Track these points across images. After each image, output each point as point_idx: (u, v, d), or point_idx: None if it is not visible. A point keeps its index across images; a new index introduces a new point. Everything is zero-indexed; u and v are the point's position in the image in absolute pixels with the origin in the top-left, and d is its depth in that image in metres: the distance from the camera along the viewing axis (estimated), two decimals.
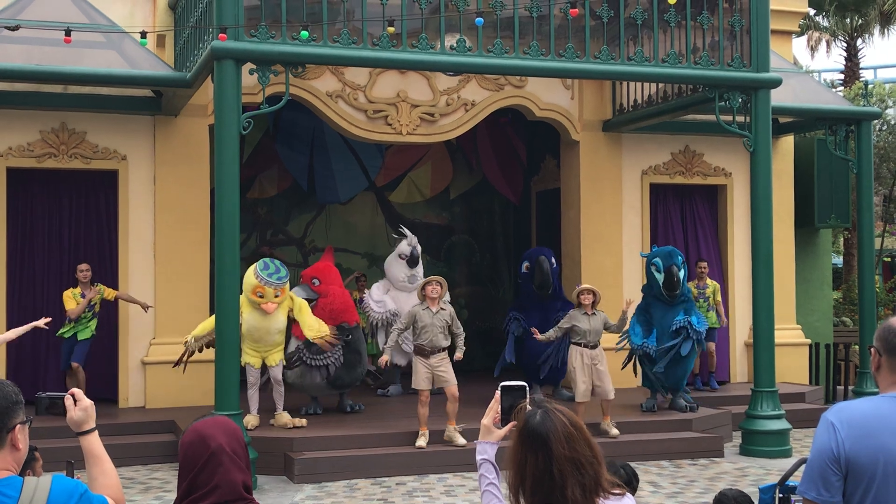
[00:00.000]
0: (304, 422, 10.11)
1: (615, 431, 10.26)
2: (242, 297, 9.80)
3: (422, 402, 9.65)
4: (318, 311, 10.61)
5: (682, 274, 11.09)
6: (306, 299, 10.59)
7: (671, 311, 11.09)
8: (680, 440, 10.50)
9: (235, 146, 9.15)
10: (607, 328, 10.50)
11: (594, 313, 10.32)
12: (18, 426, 2.67)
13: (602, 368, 10.22)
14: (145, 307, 11.22)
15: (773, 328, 10.87)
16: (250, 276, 9.99)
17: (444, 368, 9.77)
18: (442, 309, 9.87)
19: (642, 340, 11.07)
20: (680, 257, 11.22)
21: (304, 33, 9.07)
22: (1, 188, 11.29)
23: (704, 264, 12.96)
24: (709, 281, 12.88)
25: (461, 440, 9.76)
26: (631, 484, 4.79)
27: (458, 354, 9.97)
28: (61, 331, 10.87)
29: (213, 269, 10.36)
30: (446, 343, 9.86)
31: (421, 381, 9.68)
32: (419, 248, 12.35)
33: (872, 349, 3.04)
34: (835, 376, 14.41)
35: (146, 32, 9.78)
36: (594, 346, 10.26)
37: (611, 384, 10.27)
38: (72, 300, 10.82)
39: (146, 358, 11.67)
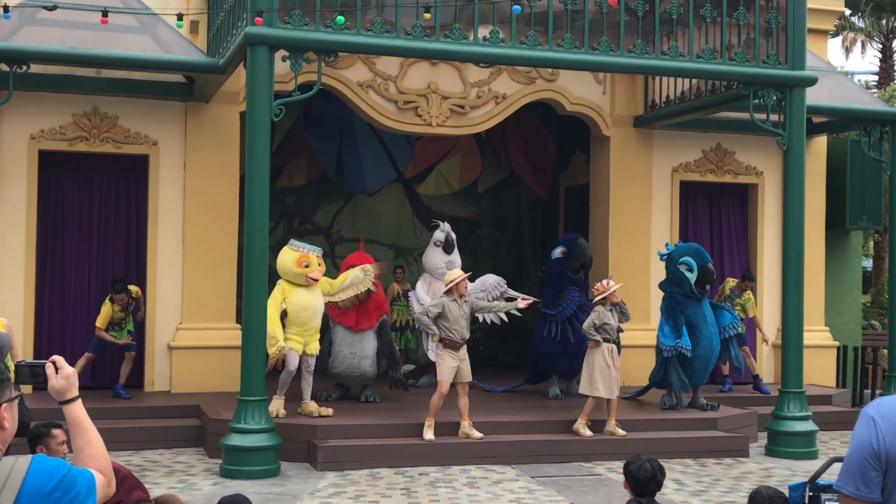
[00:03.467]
0: (330, 411, 10.11)
1: (622, 432, 10.11)
2: (283, 283, 9.95)
3: (441, 395, 9.56)
4: (369, 303, 10.84)
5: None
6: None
7: (701, 307, 11.06)
8: (705, 439, 10.42)
9: (267, 133, 9.16)
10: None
11: (614, 309, 10.25)
12: (5, 405, 2.61)
13: (615, 366, 10.13)
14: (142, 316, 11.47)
15: (803, 329, 10.76)
16: (289, 252, 10.11)
17: (467, 361, 9.77)
18: (465, 301, 9.88)
19: (675, 341, 10.93)
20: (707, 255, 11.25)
21: (340, 18, 9.07)
22: (33, 170, 11.36)
23: (751, 284, 12.86)
24: (745, 294, 12.74)
25: (477, 434, 9.70)
26: (656, 478, 4.75)
27: (522, 303, 10.29)
28: (113, 335, 10.96)
29: (240, 255, 10.42)
30: (468, 334, 9.87)
31: (448, 372, 9.63)
32: (454, 235, 12.19)
33: None
34: (862, 380, 14.27)
35: (182, 14, 9.80)
36: (615, 342, 10.23)
37: (618, 384, 10.20)
38: (105, 317, 10.90)
39: (172, 342, 11.71)
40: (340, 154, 15.07)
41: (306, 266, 10.00)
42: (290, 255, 10.08)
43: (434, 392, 9.73)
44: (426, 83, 12.47)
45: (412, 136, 14.37)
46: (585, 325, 10.21)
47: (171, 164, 11.83)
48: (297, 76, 9.43)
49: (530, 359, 12.56)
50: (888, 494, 2.81)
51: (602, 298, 10.17)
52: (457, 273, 9.93)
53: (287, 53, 9.23)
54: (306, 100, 14.20)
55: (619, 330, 10.55)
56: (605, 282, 10.35)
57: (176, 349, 11.70)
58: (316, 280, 10.07)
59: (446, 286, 9.86)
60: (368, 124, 13.45)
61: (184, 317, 11.81)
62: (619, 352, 10.42)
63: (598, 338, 10.06)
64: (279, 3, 9.21)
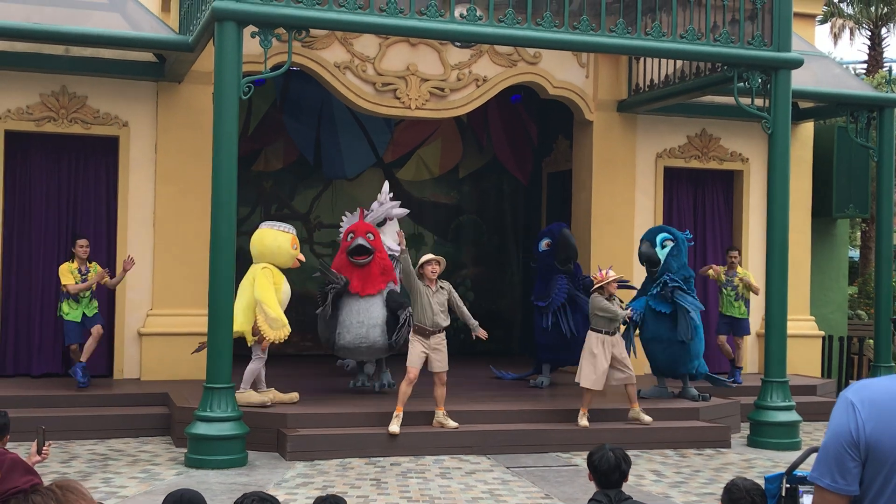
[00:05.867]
0: (295, 396, 9.88)
1: (648, 419, 9.96)
2: (272, 268, 9.53)
3: (409, 381, 9.27)
4: (373, 266, 10.23)
5: (663, 251, 10.93)
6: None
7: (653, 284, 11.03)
8: (686, 429, 10.18)
9: (235, 111, 8.85)
10: None
11: (612, 298, 10.00)
12: None
13: (623, 354, 9.94)
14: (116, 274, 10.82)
15: (786, 318, 10.53)
16: (281, 234, 9.71)
17: (442, 351, 9.45)
18: (441, 288, 9.57)
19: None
20: (661, 235, 11.03)
21: None
22: None
23: (735, 253, 12.49)
24: (739, 269, 12.44)
25: (452, 423, 9.47)
26: (619, 468, 4.51)
27: (481, 332, 9.67)
28: (64, 311, 10.41)
29: None
30: (446, 323, 9.56)
31: (416, 359, 9.35)
32: (386, 205, 11.00)
33: None
34: (848, 370, 14.07)
35: None
36: (614, 333, 9.96)
37: (632, 369, 10.00)
38: (69, 276, 10.42)
39: (142, 329, 11.42)
40: (319, 138, 14.75)
41: (296, 248, 9.79)
42: (284, 237, 9.71)
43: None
44: (405, 65, 12.16)
45: (392, 119, 14.07)
46: (601, 308, 9.86)
47: (141, 146, 11.52)
48: (269, 55, 9.13)
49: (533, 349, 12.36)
50: (866, 487, 2.54)
51: (599, 287, 9.93)
52: (427, 256, 9.65)
53: (256, 29, 8.93)
54: (284, 83, 14.05)
55: (625, 323, 10.30)
56: (604, 271, 10.09)
57: (146, 336, 11.40)
58: (303, 261, 9.93)
59: (418, 265, 9.60)
60: (347, 108, 13.14)
61: (154, 303, 11.52)
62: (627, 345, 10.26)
63: (622, 311, 9.96)
64: None
